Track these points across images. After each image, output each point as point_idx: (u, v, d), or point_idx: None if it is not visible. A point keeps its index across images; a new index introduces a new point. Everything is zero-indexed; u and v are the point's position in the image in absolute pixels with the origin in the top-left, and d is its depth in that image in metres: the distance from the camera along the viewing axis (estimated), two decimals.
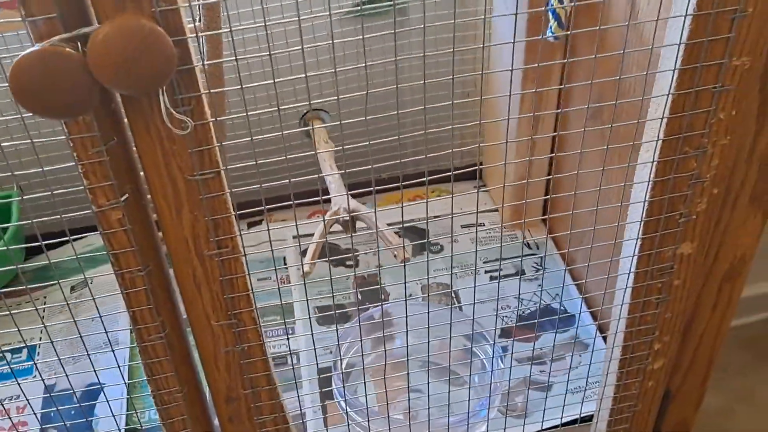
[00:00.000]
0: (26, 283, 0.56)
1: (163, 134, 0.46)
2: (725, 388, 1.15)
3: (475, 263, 1.02)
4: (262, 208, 0.52)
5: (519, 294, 0.99)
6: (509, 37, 0.87)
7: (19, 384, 0.64)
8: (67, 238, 0.52)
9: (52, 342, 0.59)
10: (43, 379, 0.67)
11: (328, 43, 0.47)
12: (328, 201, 0.98)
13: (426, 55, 0.48)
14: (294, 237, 1.10)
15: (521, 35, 0.87)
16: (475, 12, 1.03)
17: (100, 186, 0.48)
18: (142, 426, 0.85)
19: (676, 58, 0.51)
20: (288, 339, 0.76)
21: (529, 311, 0.98)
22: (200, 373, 0.63)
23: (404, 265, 0.64)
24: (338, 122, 0.52)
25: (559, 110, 0.58)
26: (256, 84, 0.49)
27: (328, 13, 0.46)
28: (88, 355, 0.62)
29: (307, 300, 0.63)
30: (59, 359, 0.63)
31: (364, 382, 0.78)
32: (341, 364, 0.86)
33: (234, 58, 0.46)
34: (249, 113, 0.49)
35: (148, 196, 0.51)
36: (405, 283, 0.61)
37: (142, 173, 0.50)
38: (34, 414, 0.84)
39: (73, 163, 0.47)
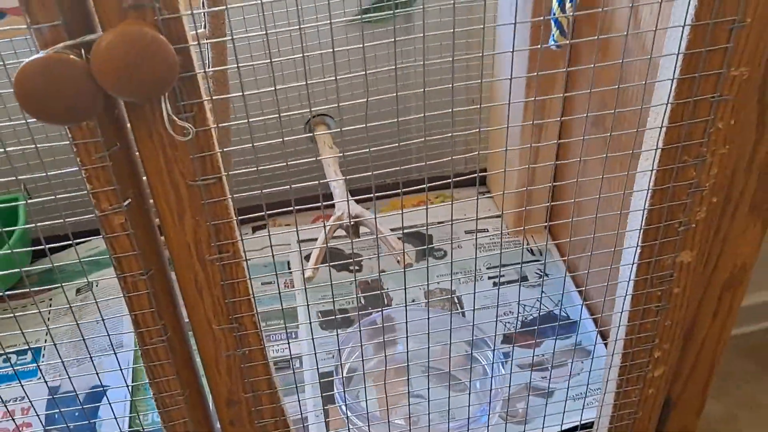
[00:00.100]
0: (30, 286, 0.57)
1: (166, 140, 0.47)
2: (727, 396, 1.15)
3: (475, 269, 1.02)
4: (264, 213, 0.53)
5: (519, 300, 0.99)
6: (514, 44, 0.87)
7: (22, 385, 0.65)
8: (73, 241, 0.53)
9: (55, 345, 0.59)
10: (46, 381, 0.68)
11: (328, 51, 0.47)
12: (332, 206, 0.98)
13: (426, 62, 0.49)
14: (299, 241, 1.10)
15: (525, 43, 0.88)
16: (479, 20, 1.04)
17: (103, 191, 0.49)
18: (144, 428, 0.86)
19: (675, 67, 0.51)
20: (289, 343, 0.77)
21: (531, 317, 0.98)
22: (202, 377, 0.64)
23: (404, 271, 0.64)
24: (341, 128, 0.52)
25: (559, 119, 0.59)
26: (257, 91, 0.50)
27: (329, 21, 0.46)
28: (91, 358, 0.62)
29: (308, 305, 0.63)
30: (62, 362, 0.63)
31: (365, 387, 0.78)
32: (342, 368, 0.87)
33: (236, 66, 0.46)
34: (251, 120, 0.50)
35: (151, 201, 0.52)
36: (405, 288, 0.62)
37: (144, 178, 0.50)
38: (38, 416, 0.84)
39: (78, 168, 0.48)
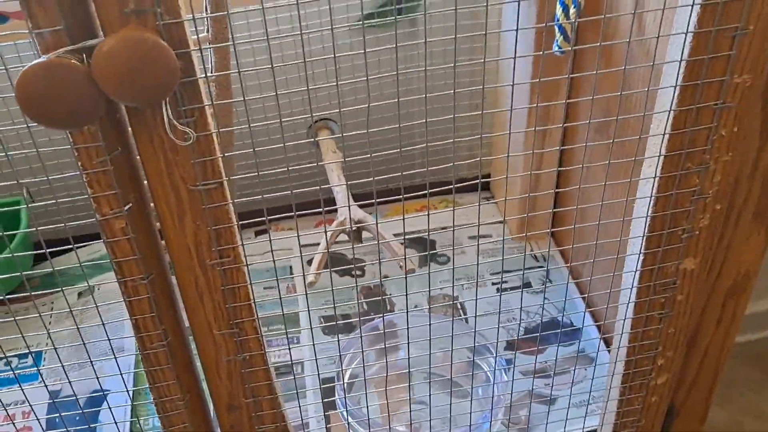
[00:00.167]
0: (32, 289, 0.57)
1: (167, 145, 0.47)
2: (731, 404, 1.14)
3: (477, 275, 1.02)
4: (265, 218, 0.53)
5: (521, 306, 0.99)
6: (518, 50, 0.87)
7: (22, 389, 0.65)
8: (77, 245, 0.53)
9: (55, 349, 0.59)
10: (46, 386, 0.68)
11: (331, 57, 0.47)
12: (335, 211, 0.98)
13: (430, 68, 0.49)
14: (301, 246, 1.10)
15: (530, 48, 0.88)
16: (483, 25, 1.03)
17: (104, 195, 0.49)
18: None
19: (677, 74, 0.51)
20: (290, 349, 0.76)
21: (535, 324, 0.97)
22: (202, 381, 0.64)
23: (405, 277, 0.64)
24: (343, 133, 0.52)
25: (562, 125, 0.58)
26: (259, 96, 0.50)
27: (331, 27, 0.46)
28: (92, 362, 0.62)
29: (309, 311, 0.63)
30: (62, 366, 0.63)
31: (366, 393, 0.78)
32: (344, 374, 0.87)
33: (238, 71, 0.46)
34: (254, 125, 0.50)
35: (152, 205, 0.52)
36: (406, 294, 0.61)
37: (145, 182, 0.50)
38: (38, 420, 0.84)
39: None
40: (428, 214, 0.55)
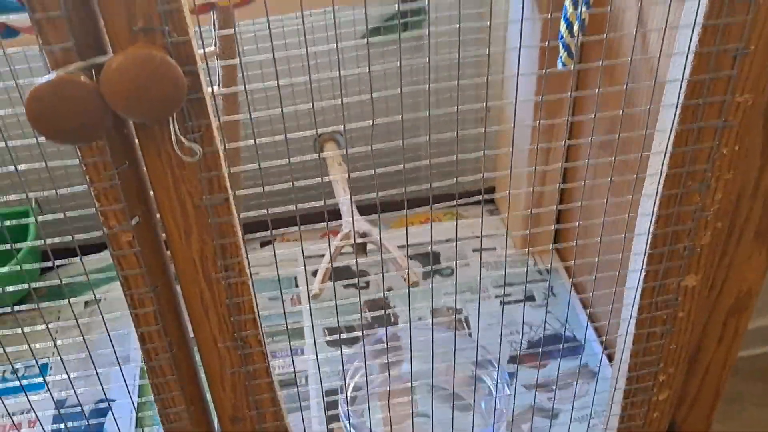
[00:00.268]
0: (39, 299, 0.58)
1: (174, 160, 0.48)
2: (732, 421, 1.14)
3: (479, 288, 1.03)
4: (269, 232, 0.53)
5: (524, 320, 0.99)
6: (522, 65, 0.88)
7: (29, 399, 0.65)
8: (84, 255, 0.54)
9: (61, 359, 0.60)
10: (52, 396, 0.68)
11: (335, 74, 0.48)
12: (340, 223, 0.99)
13: (435, 83, 0.49)
14: (305, 258, 1.10)
15: (534, 63, 0.88)
16: (487, 37, 1.04)
17: (111, 209, 0.49)
18: None
19: (679, 93, 0.52)
20: (293, 361, 0.77)
21: (538, 338, 0.98)
22: (206, 392, 0.64)
23: (408, 290, 0.64)
24: (349, 146, 0.53)
25: (564, 142, 0.59)
26: (264, 113, 0.50)
27: (336, 42, 0.47)
28: (97, 373, 0.63)
29: (313, 325, 0.64)
30: (69, 376, 0.64)
31: (369, 406, 0.78)
32: (347, 387, 0.87)
33: (244, 88, 0.47)
34: (260, 139, 0.51)
35: (158, 215, 0.52)
36: (409, 308, 0.62)
37: (152, 194, 0.51)
38: (43, 429, 0.85)
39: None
40: (431, 227, 0.56)
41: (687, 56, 0.50)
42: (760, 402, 1.17)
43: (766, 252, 0.60)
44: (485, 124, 0.50)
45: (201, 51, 0.46)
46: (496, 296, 1.05)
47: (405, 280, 0.92)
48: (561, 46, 0.74)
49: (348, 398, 0.84)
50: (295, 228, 0.52)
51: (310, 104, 0.49)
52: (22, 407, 0.89)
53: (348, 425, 0.81)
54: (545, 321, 0.99)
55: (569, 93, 0.50)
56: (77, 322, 0.58)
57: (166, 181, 0.49)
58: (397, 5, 1.02)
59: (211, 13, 0.74)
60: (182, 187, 0.49)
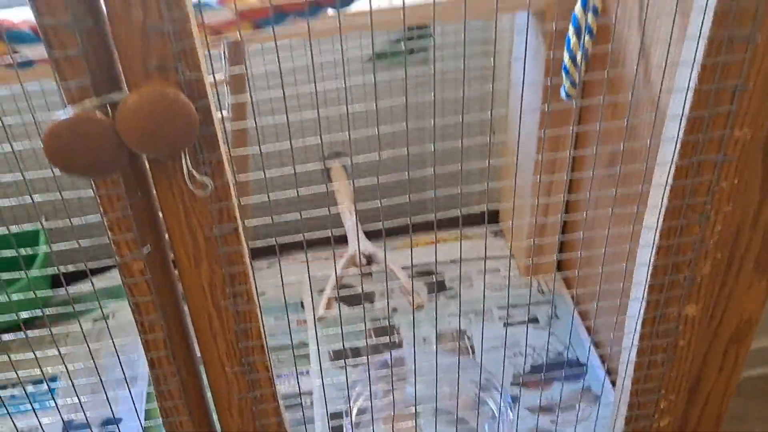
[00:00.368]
0: (48, 320, 0.59)
1: (185, 193, 0.49)
2: None
3: (483, 310, 1.03)
4: (277, 255, 0.55)
5: (527, 342, 1.00)
6: (526, 99, 0.89)
7: (37, 417, 0.66)
8: (93, 273, 0.55)
9: (71, 379, 0.61)
10: (61, 415, 0.69)
11: (341, 93, 0.49)
12: (345, 243, 1.00)
13: (439, 105, 0.50)
14: (311, 278, 1.11)
15: (538, 87, 0.90)
16: (491, 61, 1.05)
17: (123, 238, 0.51)
18: None
19: (679, 128, 0.53)
20: (299, 383, 0.78)
21: (542, 360, 0.98)
22: (213, 413, 0.65)
23: (413, 313, 0.65)
24: (354, 167, 0.54)
25: (566, 173, 0.60)
26: (273, 147, 0.52)
27: (343, 68, 0.48)
28: (106, 393, 0.64)
29: (318, 348, 0.65)
30: (78, 396, 0.65)
31: (373, 429, 0.79)
32: (352, 410, 0.88)
33: (254, 120, 0.48)
34: (270, 170, 0.52)
35: (168, 243, 0.53)
36: (414, 331, 0.63)
37: (160, 214, 0.52)
38: None
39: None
40: (435, 249, 0.57)
41: (686, 93, 0.51)
42: (763, 423, 1.17)
43: (766, 282, 0.61)
44: (489, 153, 0.51)
45: (211, 77, 0.47)
46: (500, 318, 1.06)
47: (410, 303, 0.93)
48: (564, 76, 0.76)
49: (353, 422, 0.85)
50: (301, 248, 0.53)
51: (317, 125, 0.50)
52: (29, 424, 0.90)
53: None
54: (547, 344, 1.00)
55: (572, 128, 0.51)
56: (85, 339, 0.59)
57: (177, 213, 0.50)
58: (402, 44, 1.04)
59: (222, 42, 0.76)
60: (193, 218, 0.50)
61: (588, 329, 1.01)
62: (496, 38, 0.73)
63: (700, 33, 0.49)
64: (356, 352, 1.00)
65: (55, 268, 0.55)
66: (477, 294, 1.10)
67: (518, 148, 0.50)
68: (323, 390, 0.63)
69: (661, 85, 0.52)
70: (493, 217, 1.22)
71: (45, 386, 0.93)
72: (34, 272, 0.96)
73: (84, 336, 0.60)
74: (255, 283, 0.56)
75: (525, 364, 0.97)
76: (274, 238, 0.55)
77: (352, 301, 1.07)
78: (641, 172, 0.54)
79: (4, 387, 0.96)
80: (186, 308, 0.57)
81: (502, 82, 1.03)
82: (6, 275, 0.58)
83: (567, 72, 0.75)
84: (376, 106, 0.49)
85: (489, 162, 0.51)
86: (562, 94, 0.77)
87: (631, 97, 0.52)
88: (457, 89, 0.94)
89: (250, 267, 0.55)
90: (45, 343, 0.98)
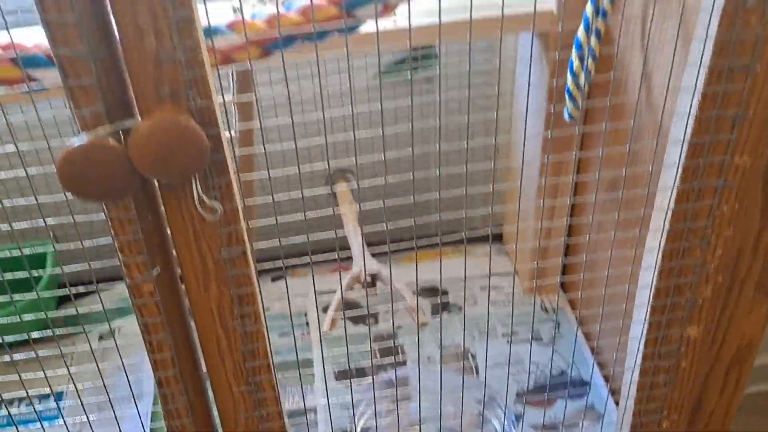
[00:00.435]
0: (56, 335, 0.60)
1: (195, 216, 0.50)
2: None
3: (488, 327, 1.04)
4: (282, 269, 0.55)
5: (530, 359, 1.00)
6: (529, 119, 0.90)
7: (44, 430, 0.67)
8: (97, 289, 0.56)
9: (79, 395, 0.62)
10: (68, 428, 0.70)
11: (348, 111, 0.50)
12: (350, 259, 1.00)
13: (444, 125, 0.51)
14: (316, 294, 1.12)
15: (542, 109, 0.91)
16: (496, 79, 1.06)
17: (134, 260, 0.52)
18: None
19: (680, 153, 0.54)
20: (304, 400, 0.78)
21: (545, 378, 0.99)
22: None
23: (418, 331, 0.66)
24: (360, 183, 0.55)
25: (569, 197, 0.61)
26: (281, 170, 0.53)
27: (350, 85, 0.49)
28: (113, 410, 0.65)
29: (324, 364, 0.65)
30: (86, 415, 0.66)
31: None
32: (356, 428, 0.88)
33: (263, 150, 0.49)
34: (277, 195, 0.53)
35: (178, 265, 0.54)
36: (418, 349, 0.64)
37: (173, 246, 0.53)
38: None
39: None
40: (441, 267, 0.57)
41: (687, 120, 0.52)
42: None
43: (766, 308, 0.62)
44: (493, 180, 0.52)
45: (219, 99, 0.48)
46: (503, 335, 1.06)
47: (415, 321, 0.94)
48: (567, 98, 0.76)
49: None
50: (305, 265, 0.54)
51: (323, 140, 0.51)
52: None
53: None
54: (552, 361, 1.00)
55: (574, 153, 0.52)
56: (93, 354, 0.60)
57: (187, 236, 0.51)
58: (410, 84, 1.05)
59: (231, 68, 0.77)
60: (203, 241, 0.51)
61: (591, 349, 1.01)
62: (500, 65, 0.73)
63: (701, 62, 0.50)
64: (361, 372, 1.01)
65: (62, 287, 0.56)
66: (480, 310, 1.10)
67: (522, 173, 0.51)
68: (329, 409, 0.64)
69: (662, 112, 0.53)
70: (497, 240, 1.23)
71: (50, 403, 0.94)
72: (44, 294, 0.97)
73: (93, 354, 0.61)
74: (262, 303, 0.56)
75: (529, 381, 0.98)
76: (281, 260, 0.56)
77: (357, 319, 1.08)
78: (643, 197, 0.55)
79: (10, 403, 0.97)
80: (194, 327, 0.58)
81: (506, 109, 1.05)
82: (13, 295, 0.59)
83: (570, 94, 0.76)
84: (383, 132, 0.50)
85: (493, 186, 0.52)
86: (565, 115, 0.77)
87: (633, 123, 0.52)
88: (461, 115, 0.95)
89: (258, 288, 0.55)
90: (51, 360, 0.99)
